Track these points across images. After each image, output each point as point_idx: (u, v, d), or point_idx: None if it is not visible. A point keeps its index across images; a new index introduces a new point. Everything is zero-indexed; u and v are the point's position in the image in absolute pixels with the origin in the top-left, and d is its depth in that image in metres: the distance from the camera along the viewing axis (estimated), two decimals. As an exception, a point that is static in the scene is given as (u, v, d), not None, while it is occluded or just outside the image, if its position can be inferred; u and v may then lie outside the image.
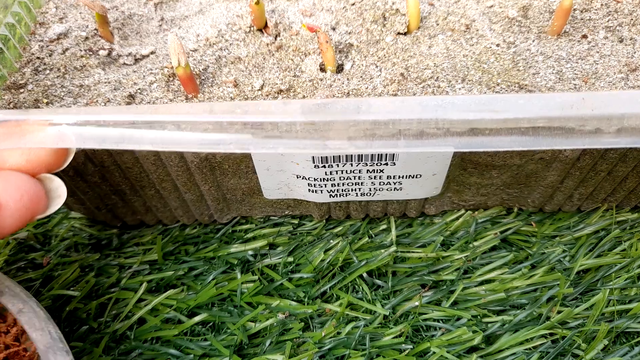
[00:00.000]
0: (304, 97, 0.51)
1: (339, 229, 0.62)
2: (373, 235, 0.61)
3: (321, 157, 0.50)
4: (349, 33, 0.56)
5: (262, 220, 0.64)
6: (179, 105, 0.39)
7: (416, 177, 0.52)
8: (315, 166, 0.51)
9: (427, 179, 0.52)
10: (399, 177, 0.52)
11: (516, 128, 0.39)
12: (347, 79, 0.52)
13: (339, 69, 0.54)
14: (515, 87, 0.50)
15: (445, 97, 0.39)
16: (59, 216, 0.67)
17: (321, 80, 0.52)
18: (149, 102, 0.51)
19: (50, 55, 0.57)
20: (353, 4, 0.60)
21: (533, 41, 0.55)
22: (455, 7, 0.59)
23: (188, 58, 0.55)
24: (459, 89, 0.50)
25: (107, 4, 0.64)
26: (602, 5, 0.59)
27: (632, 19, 0.56)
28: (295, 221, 0.63)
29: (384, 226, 0.61)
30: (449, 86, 0.50)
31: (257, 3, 0.54)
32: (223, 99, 0.51)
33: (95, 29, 0.60)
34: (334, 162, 0.51)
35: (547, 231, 0.60)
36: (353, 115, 0.38)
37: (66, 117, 0.38)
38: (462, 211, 0.61)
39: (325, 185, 0.53)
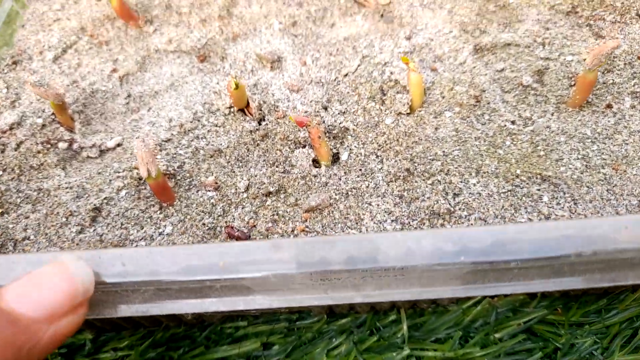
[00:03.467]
0: (296, 199, 0.46)
1: (342, 321, 0.58)
2: (381, 328, 0.57)
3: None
4: (344, 113, 0.52)
5: (254, 314, 0.60)
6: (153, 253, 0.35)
7: (428, 282, 0.48)
8: (310, 279, 0.47)
9: (440, 282, 0.49)
10: (409, 283, 0.48)
11: (548, 266, 0.35)
12: (345, 173, 0.48)
13: (335, 158, 0.50)
14: (537, 178, 0.46)
15: (463, 232, 0.35)
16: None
17: (315, 177, 0.48)
18: (117, 215, 0.46)
19: (2, 152, 0.52)
20: (346, 75, 0.55)
21: (552, 115, 0.51)
22: (461, 73, 0.55)
23: (160, 151, 0.51)
24: (474, 184, 0.46)
25: (65, 78, 0.59)
26: (625, 64, 0.55)
27: (661, 83, 0.52)
28: (293, 316, 0.59)
29: (393, 317, 0.58)
30: (462, 181, 0.46)
31: (237, 88, 0.49)
32: (203, 206, 0.47)
33: (53, 113, 0.55)
34: (333, 277, 0.47)
35: (574, 318, 0.56)
36: (360, 263, 0.34)
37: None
38: (479, 296, 0.58)
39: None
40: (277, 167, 0.49)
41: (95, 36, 0.63)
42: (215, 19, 0.62)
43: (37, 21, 0.65)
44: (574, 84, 0.53)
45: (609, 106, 0.52)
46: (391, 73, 0.54)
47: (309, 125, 0.46)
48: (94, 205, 0.47)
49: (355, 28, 0.61)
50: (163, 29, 0.62)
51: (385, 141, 0.49)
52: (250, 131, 0.51)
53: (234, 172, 0.49)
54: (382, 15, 0.62)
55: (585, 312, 0.57)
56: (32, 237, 0.46)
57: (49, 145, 0.52)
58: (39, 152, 0.52)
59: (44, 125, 0.54)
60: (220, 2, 0.64)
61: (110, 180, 0.49)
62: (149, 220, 0.46)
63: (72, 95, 0.57)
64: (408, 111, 0.51)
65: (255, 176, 0.48)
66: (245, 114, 0.53)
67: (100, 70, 0.59)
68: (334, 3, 0.64)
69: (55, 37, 0.62)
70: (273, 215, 0.45)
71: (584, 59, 0.51)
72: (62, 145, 0.52)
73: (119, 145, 0.52)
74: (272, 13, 0.62)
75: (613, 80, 0.54)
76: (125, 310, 0.37)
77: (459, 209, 0.45)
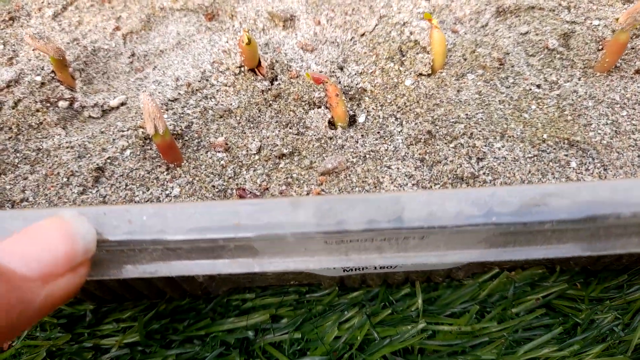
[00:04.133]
0: (311, 162, 0.44)
1: (354, 294, 0.56)
2: (394, 302, 0.55)
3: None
4: (361, 74, 0.50)
5: (262, 286, 0.58)
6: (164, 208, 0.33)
7: (447, 251, 0.46)
8: (325, 242, 0.45)
9: (459, 252, 0.47)
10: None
11: (583, 229, 0.33)
12: (362, 135, 0.46)
13: (351, 120, 0.47)
14: (564, 143, 0.44)
15: (494, 191, 0.33)
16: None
17: (331, 139, 0.45)
18: (121, 175, 0.44)
19: (-2, 110, 0.50)
20: (363, 35, 0.53)
21: (579, 79, 0.49)
22: (484, 35, 0.53)
23: (167, 111, 0.48)
24: (499, 148, 0.44)
25: (65, 36, 0.56)
26: (656, 28, 0.52)
27: (694, 48, 0.50)
28: (302, 288, 0.57)
29: (407, 290, 0.56)
30: (486, 145, 0.44)
31: (249, 43, 0.47)
32: (212, 167, 0.44)
33: (52, 71, 0.52)
34: (350, 242, 0.44)
35: (594, 293, 0.55)
36: (384, 222, 0.32)
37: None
38: (496, 269, 0.56)
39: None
40: (290, 128, 0.46)
41: (97, -7, 0.60)
42: (224, -23, 0.59)
43: (35, -23, 0.62)
44: (602, 48, 0.51)
45: (638, 71, 0.49)
46: (410, 33, 0.51)
47: (326, 82, 0.44)
48: (97, 165, 0.44)
49: (370, -11, 0.58)
50: (168, -13, 0.60)
51: (405, 103, 0.47)
52: (262, 91, 0.49)
53: (244, 133, 0.46)
54: (399, -24, 0.59)
55: (605, 287, 0.55)
56: (30, 198, 0.44)
57: (49, 104, 0.50)
58: (37, 110, 0.49)
59: (43, 84, 0.51)
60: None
61: (113, 139, 0.46)
62: (155, 181, 0.44)
63: (73, 53, 0.54)
64: (429, 72, 0.49)
65: (268, 138, 0.46)
66: (257, 74, 0.50)
67: (103, 28, 0.57)
68: (348, -38, 0.61)
69: (55, -6, 0.59)
70: (287, 178, 0.43)
71: (616, 19, 0.48)
72: (63, 104, 0.50)
73: (122, 104, 0.49)
74: (283, -29, 0.60)
75: (643, 43, 0.51)
76: (132, 270, 0.35)
77: (484, 174, 0.42)
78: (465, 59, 0.50)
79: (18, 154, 0.47)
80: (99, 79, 0.53)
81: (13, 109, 0.50)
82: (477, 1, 0.55)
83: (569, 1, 0.55)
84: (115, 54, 0.55)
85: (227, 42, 0.53)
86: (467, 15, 0.55)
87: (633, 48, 0.51)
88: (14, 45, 0.55)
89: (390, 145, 0.45)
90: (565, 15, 0.54)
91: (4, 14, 0.57)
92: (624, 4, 0.55)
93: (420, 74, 0.49)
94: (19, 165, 0.46)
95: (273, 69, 0.50)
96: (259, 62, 0.50)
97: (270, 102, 0.48)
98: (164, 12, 0.58)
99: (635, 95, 0.47)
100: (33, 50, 0.54)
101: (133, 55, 0.54)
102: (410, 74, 0.49)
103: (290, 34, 0.53)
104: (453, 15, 0.55)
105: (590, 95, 0.47)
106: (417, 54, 0.50)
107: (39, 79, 0.52)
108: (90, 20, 0.57)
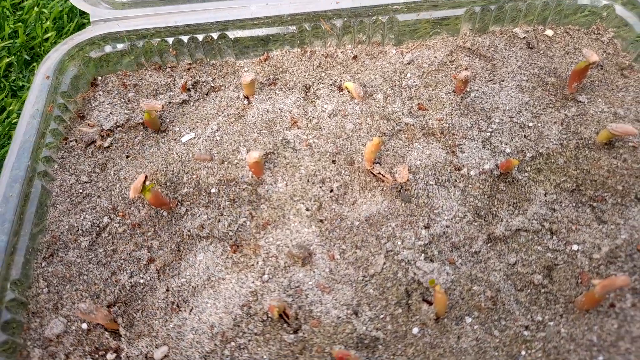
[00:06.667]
0: (336, 421, 0.52)
1: None
2: None
3: None
4: (373, 320, 0.57)
5: None
6: None
7: None
8: None
9: None
10: None
11: None
12: (378, 389, 0.54)
13: (368, 370, 0.55)
14: (551, 396, 0.53)
15: None
16: None
17: (352, 396, 0.53)
18: None
19: (52, 365, 0.56)
20: (373, 276, 0.60)
21: (562, 317, 0.57)
22: (477, 267, 0.60)
23: (205, 364, 0.55)
24: (495, 403, 0.52)
25: (102, 270, 0.63)
26: (626, 256, 0.61)
27: (659, 283, 0.59)
28: None
29: None
30: (484, 400, 0.52)
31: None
32: None
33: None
34: None
35: None
36: None
37: None
38: None
39: None
40: (316, 384, 0.54)
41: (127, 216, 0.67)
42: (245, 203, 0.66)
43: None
44: (581, 282, 0.59)
45: (612, 305, 0.58)
46: (414, 274, 0.59)
47: (349, 358, 0.51)
48: None
49: (375, 205, 0.66)
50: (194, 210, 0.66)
51: (414, 353, 0.55)
52: (289, 343, 0.56)
53: (277, 390, 0.54)
54: (399, 191, 0.67)
55: None
56: None
57: (97, 356, 0.57)
58: (88, 364, 0.56)
59: (89, 330, 0.58)
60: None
61: (162, 401, 0.53)
62: None
63: (112, 292, 0.61)
64: (433, 317, 0.56)
65: (298, 395, 0.53)
66: (282, 322, 0.57)
67: (137, 259, 0.63)
68: (354, 177, 0.69)
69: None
70: None
71: (594, 285, 0.56)
72: (110, 356, 0.56)
73: (165, 356, 0.56)
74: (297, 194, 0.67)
75: (615, 275, 0.60)
76: None
77: None
78: (462, 299, 0.58)
79: (76, 412, 0.54)
80: (139, 321, 0.59)
81: (65, 361, 0.56)
82: (469, 226, 0.64)
83: (551, 221, 0.64)
84: (150, 288, 0.62)
85: (253, 282, 0.60)
86: (461, 241, 0.63)
87: (606, 276, 0.60)
88: (57, 286, 0.61)
89: (403, 402, 0.52)
90: (547, 240, 0.62)
91: (44, 249, 0.64)
92: (599, 224, 0.63)
93: (424, 324, 0.56)
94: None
95: (297, 319, 0.57)
96: (285, 310, 0.57)
97: (297, 355, 0.55)
98: (191, 239, 0.65)
99: (610, 335, 0.56)
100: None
101: (168, 290, 0.61)
102: (417, 321, 0.57)
103: (308, 272, 0.61)
104: (449, 242, 0.63)
105: (571, 336, 0.56)
106: (421, 295, 0.58)
107: (84, 326, 0.58)
108: (124, 248, 0.64)
